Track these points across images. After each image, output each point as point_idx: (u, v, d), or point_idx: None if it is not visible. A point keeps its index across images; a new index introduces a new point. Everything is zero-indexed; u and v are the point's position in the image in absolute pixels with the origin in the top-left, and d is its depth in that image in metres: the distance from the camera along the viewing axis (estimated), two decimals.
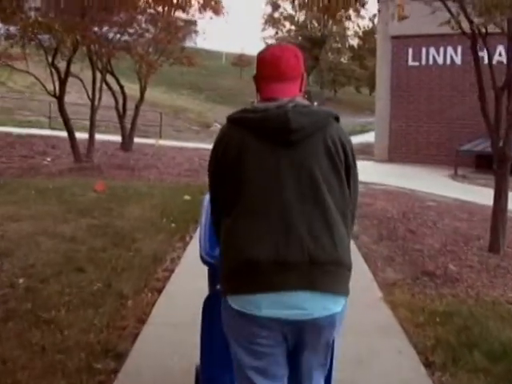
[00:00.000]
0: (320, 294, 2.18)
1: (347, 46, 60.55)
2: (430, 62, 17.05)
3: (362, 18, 63.94)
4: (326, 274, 2.18)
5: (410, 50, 17.23)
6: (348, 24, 64.40)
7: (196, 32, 18.73)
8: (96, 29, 12.95)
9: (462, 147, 15.69)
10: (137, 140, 19.59)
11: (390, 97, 17.61)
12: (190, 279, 5.37)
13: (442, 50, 16.76)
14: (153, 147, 18.49)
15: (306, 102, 2.34)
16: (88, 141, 15.20)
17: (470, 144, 15.82)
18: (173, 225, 7.99)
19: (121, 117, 17.51)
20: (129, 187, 10.83)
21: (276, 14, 64.25)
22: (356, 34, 63.10)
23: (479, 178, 15.12)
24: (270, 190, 2.21)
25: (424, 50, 17.04)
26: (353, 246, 6.96)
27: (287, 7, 63.96)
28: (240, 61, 61.40)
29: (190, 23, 17.81)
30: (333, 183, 2.25)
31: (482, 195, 12.59)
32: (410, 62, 17.35)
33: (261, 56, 2.39)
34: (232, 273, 2.23)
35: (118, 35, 14.29)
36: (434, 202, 11.48)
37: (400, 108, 17.53)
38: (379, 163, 18.38)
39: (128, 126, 17.79)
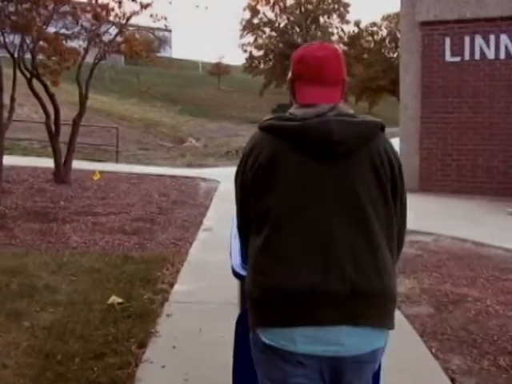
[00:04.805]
0: (362, 329, 1.93)
1: None
2: (477, 56, 12.40)
3: (347, 22, 60.59)
4: (369, 307, 1.94)
5: (448, 41, 12.60)
6: (332, 29, 61.68)
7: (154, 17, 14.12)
8: None
9: None
10: (84, 166, 15.07)
11: (419, 105, 12.97)
12: None
13: (492, 38, 12.17)
14: (101, 175, 13.78)
15: (350, 111, 2.04)
16: None
17: None
18: None
19: (53, 136, 12.82)
20: (18, 272, 5.99)
21: (255, 20, 61.49)
22: (341, 39, 60.12)
23: None
24: (308, 209, 1.96)
25: (468, 40, 12.42)
26: None
27: (267, 12, 60.99)
28: (217, 69, 57.99)
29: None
30: (378, 203, 2.00)
31: None
32: (448, 57, 12.68)
33: (298, 55, 2.11)
34: (262, 303, 1.97)
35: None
36: None
37: (434, 120, 12.94)
38: (408, 195, 13.27)
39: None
